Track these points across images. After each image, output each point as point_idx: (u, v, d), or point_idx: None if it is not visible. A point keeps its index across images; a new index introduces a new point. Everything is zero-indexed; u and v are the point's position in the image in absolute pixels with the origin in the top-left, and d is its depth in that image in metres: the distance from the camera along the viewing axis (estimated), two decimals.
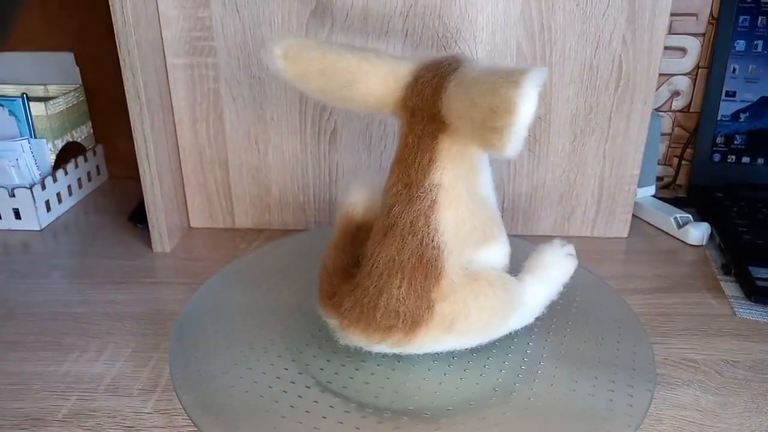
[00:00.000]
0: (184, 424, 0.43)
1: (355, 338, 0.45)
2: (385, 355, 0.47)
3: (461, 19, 0.62)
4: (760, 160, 0.80)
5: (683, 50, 0.79)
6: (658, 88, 0.80)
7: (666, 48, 0.77)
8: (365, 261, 0.45)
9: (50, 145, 0.76)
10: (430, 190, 0.43)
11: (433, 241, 0.43)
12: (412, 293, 0.43)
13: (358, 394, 0.44)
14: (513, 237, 0.68)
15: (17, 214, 0.73)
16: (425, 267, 0.43)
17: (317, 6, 0.62)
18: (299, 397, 0.44)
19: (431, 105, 0.43)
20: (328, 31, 0.63)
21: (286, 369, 0.47)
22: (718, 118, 0.79)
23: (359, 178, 0.49)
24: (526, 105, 0.35)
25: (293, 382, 0.45)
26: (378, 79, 0.44)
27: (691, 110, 0.82)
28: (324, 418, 0.42)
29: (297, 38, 0.46)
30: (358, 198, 0.49)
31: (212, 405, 0.43)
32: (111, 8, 0.57)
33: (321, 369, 0.47)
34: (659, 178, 0.85)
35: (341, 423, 0.42)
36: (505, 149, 0.37)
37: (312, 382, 0.46)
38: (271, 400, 0.44)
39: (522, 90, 0.35)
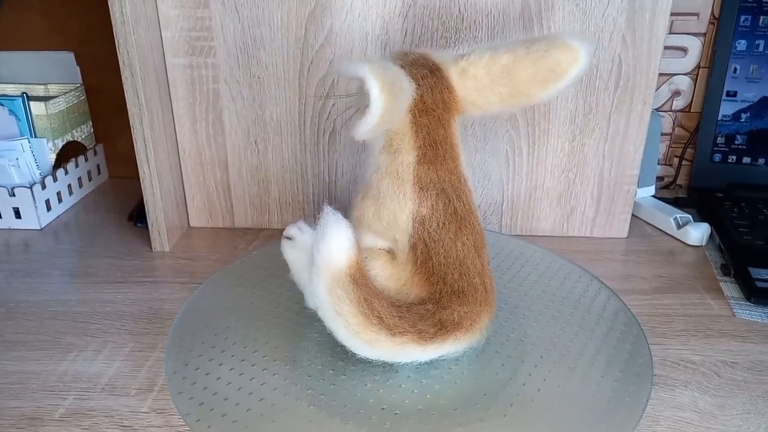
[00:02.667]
0: (182, 423, 0.43)
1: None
2: None
3: (460, 18, 0.62)
4: (761, 161, 0.80)
5: (684, 50, 0.79)
6: (658, 88, 0.80)
7: (667, 47, 0.77)
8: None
9: (50, 145, 0.76)
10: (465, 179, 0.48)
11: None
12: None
13: (355, 396, 0.44)
14: (512, 237, 0.69)
15: (17, 214, 0.73)
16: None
17: (316, 6, 0.62)
18: (296, 398, 0.44)
19: (449, 95, 0.45)
20: (327, 31, 0.63)
21: (284, 370, 0.47)
22: (719, 118, 0.79)
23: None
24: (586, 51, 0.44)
25: (290, 384, 0.46)
26: None
27: (691, 110, 0.82)
28: (313, 415, 0.42)
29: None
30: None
31: (207, 406, 0.43)
32: (110, 8, 0.57)
33: (318, 370, 0.47)
34: (659, 178, 0.85)
35: (338, 424, 0.42)
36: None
37: (308, 383, 0.46)
38: (266, 402, 0.44)
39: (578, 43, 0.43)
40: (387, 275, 0.46)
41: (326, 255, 0.41)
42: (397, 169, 0.46)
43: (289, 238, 0.49)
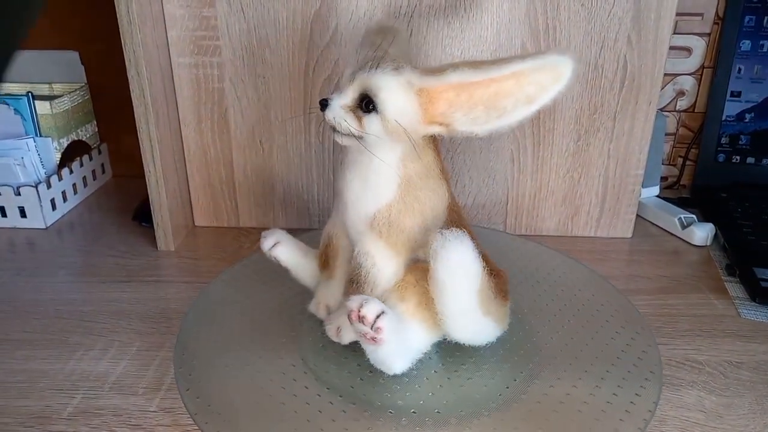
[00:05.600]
0: (190, 422, 0.44)
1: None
2: None
3: (466, 18, 0.62)
4: (765, 161, 0.80)
5: (688, 50, 0.79)
6: (662, 88, 0.80)
7: (671, 48, 0.76)
8: None
9: (55, 144, 0.77)
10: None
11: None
12: None
13: (363, 395, 0.45)
14: (517, 237, 0.69)
15: (23, 213, 0.73)
16: None
17: (322, 6, 0.62)
18: (303, 397, 0.44)
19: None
20: (332, 31, 0.63)
21: (291, 368, 0.47)
22: (723, 118, 0.79)
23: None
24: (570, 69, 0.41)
25: (298, 383, 0.46)
26: None
27: (695, 110, 0.82)
28: (321, 414, 0.42)
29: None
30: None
31: (216, 405, 0.43)
32: (116, 7, 0.57)
33: (326, 371, 0.47)
34: (663, 178, 0.85)
35: (345, 423, 0.42)
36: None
37: (316, 382, 0.46)
38: (275, 400, 0.44)
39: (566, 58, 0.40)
40: None
41: (475, 273, 0.43)
42: (426, 169, 0.45)
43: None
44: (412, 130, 0.43)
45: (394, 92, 0.42)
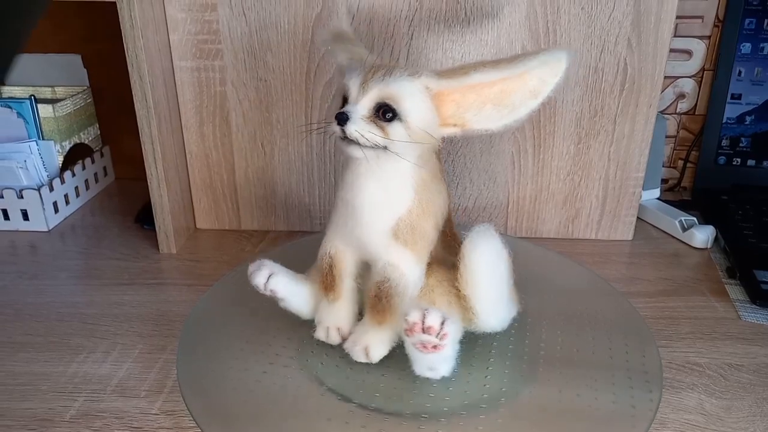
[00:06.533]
0: (192, 425, 0.44)
1: None
2: (390, 359, 0.48)
3: (466, 22, 0.63)
4: (766, 163, 0.80)
5: (689, 53, 0.79)
6: (663, 91, 0.80)
7: (671, 50, 0.77)
8: None
9: (58, 147, 0.77)
10: None
11: None
12: None
13: (364, 398, 0.45)
14: (518, 239, 0.69)
15: (25, 215, 0.73)
16: None
17: (323, 9, 0.63)
18: (305, 400, 0.44)
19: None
20: None
21: (293, 371, 0.47)
22: (724, 120, 0.79)
23: None
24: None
25: (299, 386, 0.46)
26: None
27: (696, 113, 0.82)
28: (324, 417, 0.42)
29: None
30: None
31: (219, 408, 0.43)
32: (119, 11, 0.57)
33: (329, 374, 0.47)
34: (664, 181, 0.85)
35: (347, 426, 0.42)
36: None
37: (319, 386, 0.46)
38: (276, 404, 0.44)
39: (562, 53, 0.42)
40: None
41: (506, 259, 0.46)
42: (433, 171, 0.46)
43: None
44: (433, 133, 0.43)
45: (416, 98, 0.42)
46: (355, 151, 0.43)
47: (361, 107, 0.42)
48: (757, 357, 0.51)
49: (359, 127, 0.41)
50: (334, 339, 0.49)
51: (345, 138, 0.42)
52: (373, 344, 0.47)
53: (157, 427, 0.44)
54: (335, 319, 0.49)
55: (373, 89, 0.42)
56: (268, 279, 0.47)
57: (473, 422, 0.42)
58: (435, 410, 0.44)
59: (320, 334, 0.49)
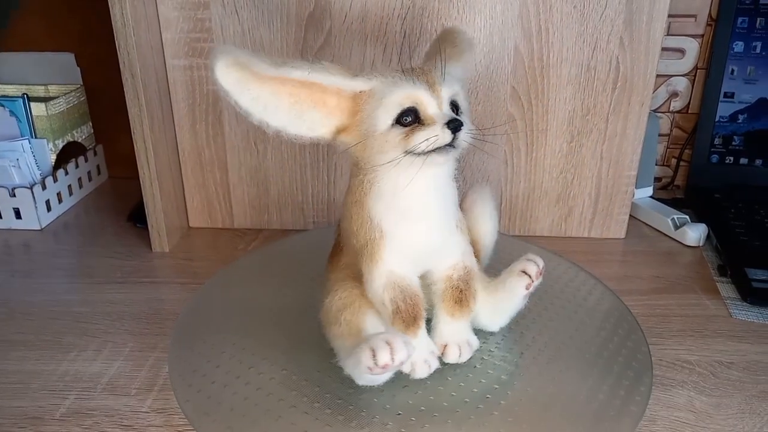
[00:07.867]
0: (182, 423, 0.44)
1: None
2: None
3: (459, 20, 0.63)
4: (758, 162, 0.80)
5: (682, 51, 0.79)
6: (656, 89, 0.81)
7: (664, 49, 0.77)
8: None
9: (51, 145, 0.77)
10: None
11: None
12: None
13: (355, 395, 0.45)
14: (510, 237, 0.69)
15: (18, 214, 0.73)
16: None
17: (316, 7, 0.63)
18: (297, 398, 0.44)
19: None
20: (326, 33, 0.63)
21: (285, 370, 0.47)
22: (717, 119, 0.79)
23: None
24: None
25: (291, 384, 0.46)
26: None
27: (689, 111, 0.82)
28: (315, 415, 0.42)
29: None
30: None
31: (210, 405, 0.43)
32: (111, 10, 0.57)
33: (318, 370, 0.47)
34: (657, 179, 0.85)
35: (340, 424, 0.42)
36: None
37: (310, 384, 0.46)
38: (268, 401, 0.44)
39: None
40: None
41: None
42: None
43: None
44: None
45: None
46: (441, 157, 0.40)
47: (449, 111, 0.40)
48: (747, 354, 0.52)
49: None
50: (435, 364, 0.45)
51: (446, 146, 0.40)
52: (468, 336, 0.48)
53: (148, 425, 0.44)
54: (426, 345, 0.45)
55: (443, 90, 0.40)
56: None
57: (465, 418, 0.43)
58: (429, 406, 0.44)
59: (422, 371, 0.45)
